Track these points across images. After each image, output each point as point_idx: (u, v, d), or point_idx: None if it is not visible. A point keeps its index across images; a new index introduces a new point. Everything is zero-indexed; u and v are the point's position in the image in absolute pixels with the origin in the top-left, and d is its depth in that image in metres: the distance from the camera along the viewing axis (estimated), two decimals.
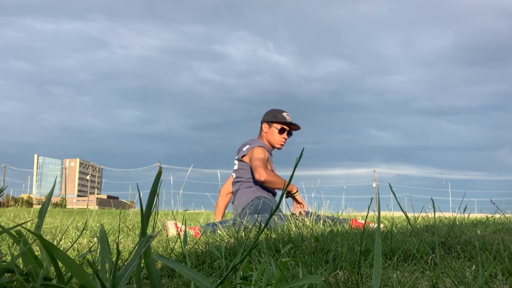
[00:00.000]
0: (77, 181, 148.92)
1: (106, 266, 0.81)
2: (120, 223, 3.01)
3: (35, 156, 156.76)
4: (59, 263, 0.76)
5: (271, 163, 3.86)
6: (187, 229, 2.94)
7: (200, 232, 2.87)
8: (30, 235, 1.79)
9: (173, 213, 3.13)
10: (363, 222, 3.16)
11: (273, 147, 3.91)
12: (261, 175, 3.57)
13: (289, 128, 3.89)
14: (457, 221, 2.82)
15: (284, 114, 3.89)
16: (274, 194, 3.81)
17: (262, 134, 3.90)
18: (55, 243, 1.62)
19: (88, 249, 1.69)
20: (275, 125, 3.86)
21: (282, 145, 3.89)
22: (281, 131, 3.86)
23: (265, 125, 3.90)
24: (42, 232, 0.97)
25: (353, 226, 3.13)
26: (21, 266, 0.81)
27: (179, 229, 2.89)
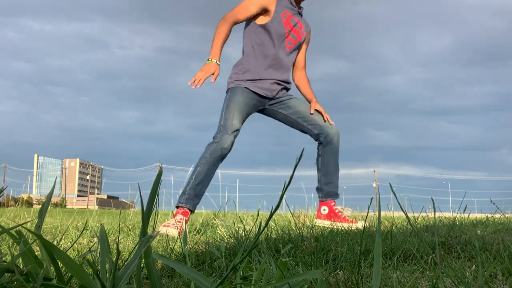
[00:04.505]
0: (77, 181, 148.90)
1: (106, 266, 0.81)
2: (120, 223, 3.01)
3: (35, 156, 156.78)
4: (59, 263, 0.76)
5: (293, 24, 3.12)
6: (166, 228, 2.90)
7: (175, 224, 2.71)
8: (30, 235, 1.79)
9: (173, 213, 3.12)
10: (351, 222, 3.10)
11: (296, 1, 3.17)
12: (226, 14, 2.99)
13: None
14: (457, 221, 2.82)
15: None
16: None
17: None
18: (55, 243, 1.62)
19: (88, 249, 1.69)
20: None
21: None
22: None
23: None
24: (42, 232, 0.97)
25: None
26: (21, 266, 0.81)
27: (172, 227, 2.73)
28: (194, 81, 2.82)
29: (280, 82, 3.14)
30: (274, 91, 3.12)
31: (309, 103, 3.30)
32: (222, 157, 2.92)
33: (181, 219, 2.81)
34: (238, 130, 2.95)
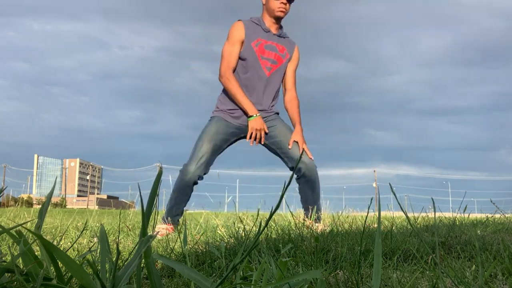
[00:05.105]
0: (77, 181, 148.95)
1: (106, 266, 0.81)
2: (120, 223, 3.01)
3: (35, 156, 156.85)
4: (59, 263, 0.76)
5: (269, 49, 3.15)
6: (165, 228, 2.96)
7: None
8: (30, 235, 1.79)
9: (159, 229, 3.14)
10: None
11: (275, 18, 3.16)
12: (220, 71, 3.10)
13: None
14: (457, 221, 2.82)
15: None
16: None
17: (263, 9, 3.22)
18: (55, 243, 1.62)
19: (88, 249, 1.69)
20: None
21: (283, 11, 3.11)
22: None
23: None
24: (42, 232, 0.97)
25: None
26: (21, 266, 0.81)
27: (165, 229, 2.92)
28: (255, 140, 3.04)
29: (261, 110, 3.13)
30: None
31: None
32: (188, 186, 3.00)
33: (167, 230, 2.98)
34: (205, 160, 3.00)
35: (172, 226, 3.00)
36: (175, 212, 3.05)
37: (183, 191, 3.01)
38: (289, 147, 3.12)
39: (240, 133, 3.14)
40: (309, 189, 3.15)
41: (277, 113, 3.26)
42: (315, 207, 3.16)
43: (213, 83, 2.99)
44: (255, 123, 3.02)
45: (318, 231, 2.87)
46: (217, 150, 3.07)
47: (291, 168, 3.16)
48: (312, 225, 3.01)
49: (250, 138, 3.04)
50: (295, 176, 3.19)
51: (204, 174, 3.04)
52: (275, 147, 3.17)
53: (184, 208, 3.13)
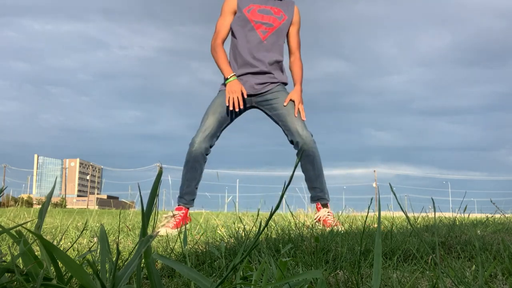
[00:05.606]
0: (77, 181, 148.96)
1: (106, 266, 0.81)
2: (120, 223, 3.01)
3: (35, 156, 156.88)
4: (59, 263, 0.76)
5: (263, 13, 3.13)
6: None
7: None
8: (30, 235, 1.79)
9: (172, 213, 3.12)
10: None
11: None
12: (211, 44, 3.13)
13: None
14: (457, 221, 2.82)
15: None
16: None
17: None
18: (55, 243, 1.62)
19: (88, 249, 1.69)
20: None
21: None
22: None
23: None
24: (42, 232, 0.97)
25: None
26: (21, 266, 0.81)
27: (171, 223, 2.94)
28: (234, 104, 2.95)
29: (261, 76, 3.10)
30: (252, 88, 3.09)
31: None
32: (195, 159, 3.00)
33: (179, 215, 3.02)
34: (210, 131, 3.00)
35: (184, 211, 3.02)
36: (185, 190, 3.03)
37: (191, 166, 3.00)
38: (285, 104, 3.09)
39: (245, 104, 3.11)
40: (309, 164, 3.10)
41: (284, 84, 3.22)
42: (318, 193, 3.13)
43: (213, 83, 2.99)
44: (229, 86, 2.98)
45: (339, 226, 2.79)
46: (222, 122, 3.08)
47: (291, 142, 3.13)
48: (321, 217, 2.98)
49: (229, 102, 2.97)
50: (295, 150, 3.16)
51: (211, 146, 3.05)
52: (276, 119, 3.15)
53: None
